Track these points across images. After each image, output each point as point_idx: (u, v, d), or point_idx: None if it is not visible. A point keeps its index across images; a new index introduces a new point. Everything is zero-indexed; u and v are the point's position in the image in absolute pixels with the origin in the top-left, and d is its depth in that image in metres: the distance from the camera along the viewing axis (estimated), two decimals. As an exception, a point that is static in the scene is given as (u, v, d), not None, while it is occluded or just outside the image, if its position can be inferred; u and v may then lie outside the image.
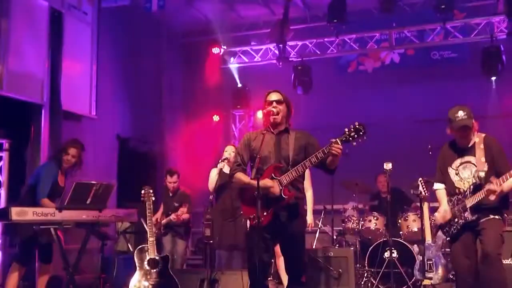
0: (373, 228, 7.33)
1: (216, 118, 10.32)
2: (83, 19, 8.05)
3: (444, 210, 4.52)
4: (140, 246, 5.53)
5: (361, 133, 3.83)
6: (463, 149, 4.50)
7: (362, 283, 6.88)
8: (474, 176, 4.37)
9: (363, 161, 7.39)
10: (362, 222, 7.40)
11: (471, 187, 4.38)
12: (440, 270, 6.12)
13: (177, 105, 9.93)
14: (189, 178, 7.82)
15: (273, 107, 4.26)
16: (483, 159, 4.34)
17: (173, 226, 7.03)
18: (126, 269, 6.19)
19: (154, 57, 9.81)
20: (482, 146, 4.39)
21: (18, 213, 4.82)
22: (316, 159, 3.97)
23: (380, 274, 6.70)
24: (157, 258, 5.49)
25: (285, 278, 5.86)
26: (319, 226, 8.26)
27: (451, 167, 4.54)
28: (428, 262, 6.14)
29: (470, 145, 4.47)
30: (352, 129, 3.85)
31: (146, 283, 5.49)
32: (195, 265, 8.60)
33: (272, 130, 4.29)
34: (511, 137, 8.48)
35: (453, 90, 9.28)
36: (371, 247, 7.04)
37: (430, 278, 6.07)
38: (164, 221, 7.05)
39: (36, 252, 5.57)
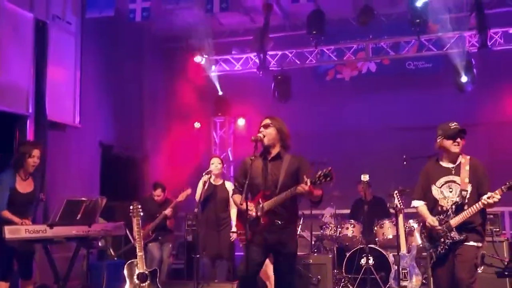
0: (350, 235, 7.61)
1: (197, 125, 10.48)
2: (67, 29, 8.11)
3: (432, 219, 4.49)
4: (129, 261, 5.71)
5: (328, 178, 4.13)
6: (448, 169, 4.54)
7: (340, 289, 7.19)
8: (458, 196, 4.43)
9: (339, 168, 7.62)
10: (340, 229, 7.67)
11: (453, 206, 4.44)
12: (414, 279, 6.45)
13: (159, 112, 10.04)
14: (171, 184, 7.95)
15: (259, 131, 4.50)
16: (467, 180, 4.42)
17: (160, 230, 7.13)
18: (113, 277, 6.35)
19: (136, 65, 9.89)
20: (467, 167, 4.46)
21: (11, 232, 4.98)
22: (290, 194, 4.26)
23: (357, 281, 7.00)
24: (146, 272, 5.69)
25: (266, 278, 6.11)
26: (298, 232, 8.51)
27: (435, 185, 4.56)
28: (403, 271, 6.48)
29: (455, 165, 4.52)
30: (321, 174, 4.14)
31: (136, 296, 5.69)
32: (177, 270, 8.75)
33: (263, 155, 4.49)
34: (483, 145, 8.97)
35: (427, 99, 9.62)
36: (348, 254, 7.33)
37: (405, 287, 6.42)
38: (154, 223, 7.07)
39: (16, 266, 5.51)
